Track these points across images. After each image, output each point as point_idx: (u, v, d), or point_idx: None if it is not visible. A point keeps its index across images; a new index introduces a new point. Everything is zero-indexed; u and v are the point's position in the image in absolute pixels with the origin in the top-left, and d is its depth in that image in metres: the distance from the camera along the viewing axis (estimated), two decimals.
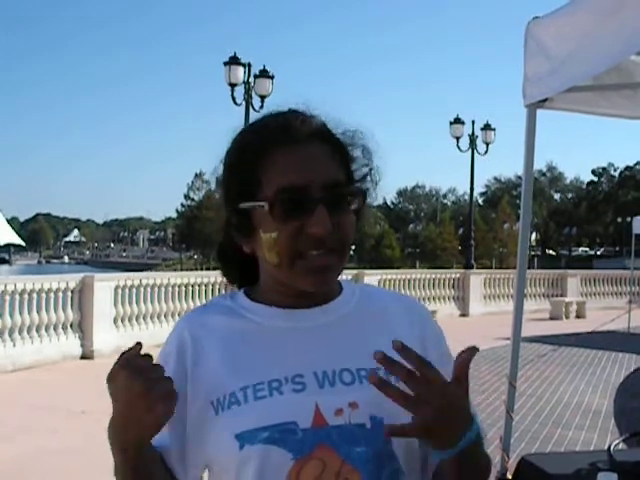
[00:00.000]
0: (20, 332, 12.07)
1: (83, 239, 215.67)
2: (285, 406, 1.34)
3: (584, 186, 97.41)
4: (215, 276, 16.09)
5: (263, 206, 1.37)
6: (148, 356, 1.23)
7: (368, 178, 1.49)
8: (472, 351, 1.24)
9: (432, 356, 1.39)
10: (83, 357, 12.93)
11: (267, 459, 1.32)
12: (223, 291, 15.62)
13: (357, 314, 1.48)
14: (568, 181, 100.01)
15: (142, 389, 1.18)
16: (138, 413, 1.20)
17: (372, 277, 19.68)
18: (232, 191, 1.44)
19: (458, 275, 23.15)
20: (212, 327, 1.46)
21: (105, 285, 13.61)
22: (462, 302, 22.35)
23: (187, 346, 1.44)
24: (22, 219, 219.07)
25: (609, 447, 3.24)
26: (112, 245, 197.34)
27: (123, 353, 1.22)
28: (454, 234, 76.87)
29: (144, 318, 14.42)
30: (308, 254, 1.36)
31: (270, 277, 1.46)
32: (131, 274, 15.79)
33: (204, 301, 14.89)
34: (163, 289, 14.95)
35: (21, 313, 12.13)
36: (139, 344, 1.24)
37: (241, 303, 1.49)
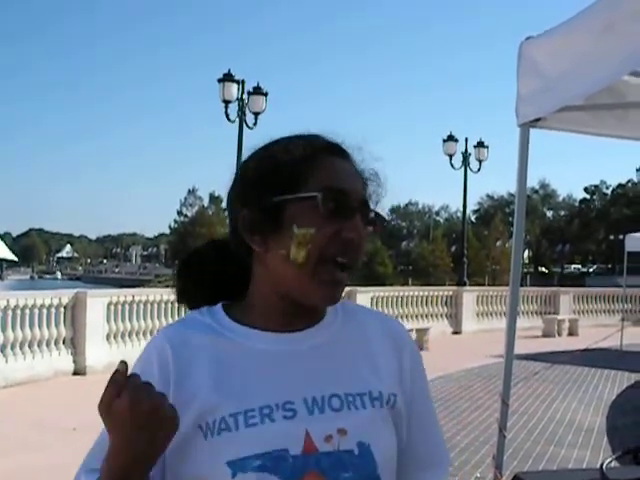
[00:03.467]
0: (12, 348, 12.04)
1: (76, 255, 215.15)
2: (277, 433, 1.34)
3: (577, 203, 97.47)
4: None
5: (314, 197, 1.38)
6: (135, 375, 1.23)
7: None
8: None
9: (406, 381, 1.49)
10: (75, 373, 12.90)
11: None
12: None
13: (343, 336, 1.49)
14: (561, 198, 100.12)
15: (151, 407, 1.19)
16: (150, 433, 1.20)
17: (364, 294, 19.66)
18: (267, 186, 1.42)
19: (451, 292, 23.16)
20: (196, 346, 1.42)
21: (98, 301, 13.58)
22: (455, 319, 22.36)
23: (169, 364, 1.40)
24: (15, 234, 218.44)
25: (602, 465, 3.24)
26: (105, 261, 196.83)
27: (111, 378, 1.21)
28: (447, 251, 76.87)
29: (137, 334, 14.37)
30: (331, 264, 1.38)
31: (269, 288, 1.44)
32: (124, 290, 15.76)
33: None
34: (156, 305, 14.89)
35: (13, 329, 12.09)
36: (124, 363, 1.22)
37: (222, 322, 1.46)
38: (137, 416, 1.18)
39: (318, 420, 1.36)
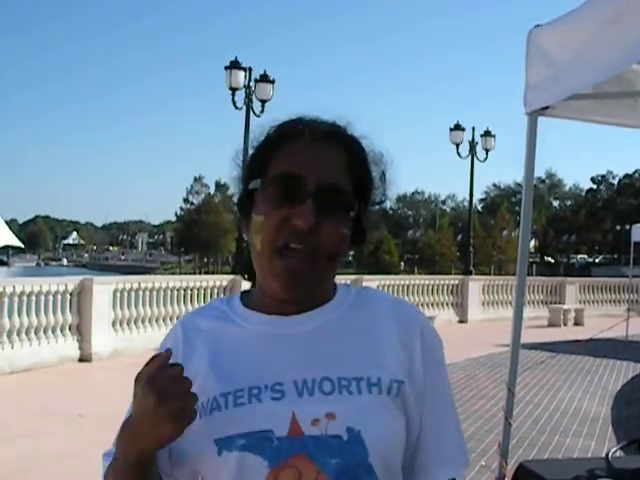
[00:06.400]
0: (18, 334, 12.06)
1: (82, 242, 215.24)
2: (262, 414, 1.34)
3: (583, 193, 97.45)
4: (213, 280, 16.11)
5: (260, 185, 1.41)
6: (177, 365, 1.25)
7: (376, 204, 1.50)
8: None
9: (417, 368, 1.43)
10: (81, 360, 12.92)
11: (243, 466, 1.32)
12: (222, 295, 15.63)
13: (345, 320, 1.46)
14: (567, 188, 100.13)
15: (153, 402, 1.20)
16: (144, 426, 1.23)
17: (371, 283, 19.66)
18: (248, 172, 1.46)
19: (457, 281, 23.15)
20: (203, 331, 1.48)
21: (104, 288, 13.59)
22: (461, 308, 22.37)
23: (179, 348, 1.46)
24: (21, 221, 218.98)
25: (607, 454, 3.24)
26: (111, 248, 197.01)
27: (154, 356, 1.25)
28: (453, 240, 76.85)
29: (142, 321, 14.42)
30: (286, 250, 1.36)
31: (258, 272, 1.46)
32: (130, 277, 15.78)
33: (202, 305, 15.03)
34: (162, 292, 14.95)
35: (19, 315, 12.11)
36: (169, 351, 1.26)
37: (234, 308, 1.50)
38: (142, 402, 1.22)
39: (306, 403, 1.35)
